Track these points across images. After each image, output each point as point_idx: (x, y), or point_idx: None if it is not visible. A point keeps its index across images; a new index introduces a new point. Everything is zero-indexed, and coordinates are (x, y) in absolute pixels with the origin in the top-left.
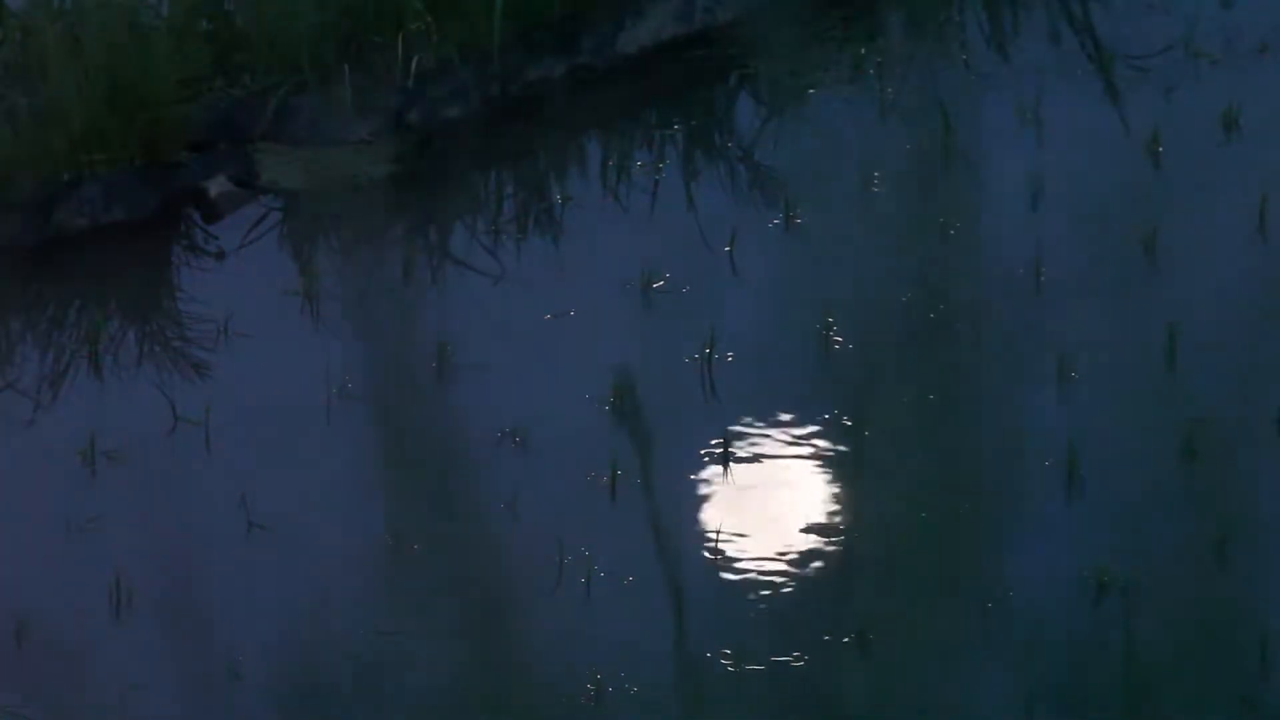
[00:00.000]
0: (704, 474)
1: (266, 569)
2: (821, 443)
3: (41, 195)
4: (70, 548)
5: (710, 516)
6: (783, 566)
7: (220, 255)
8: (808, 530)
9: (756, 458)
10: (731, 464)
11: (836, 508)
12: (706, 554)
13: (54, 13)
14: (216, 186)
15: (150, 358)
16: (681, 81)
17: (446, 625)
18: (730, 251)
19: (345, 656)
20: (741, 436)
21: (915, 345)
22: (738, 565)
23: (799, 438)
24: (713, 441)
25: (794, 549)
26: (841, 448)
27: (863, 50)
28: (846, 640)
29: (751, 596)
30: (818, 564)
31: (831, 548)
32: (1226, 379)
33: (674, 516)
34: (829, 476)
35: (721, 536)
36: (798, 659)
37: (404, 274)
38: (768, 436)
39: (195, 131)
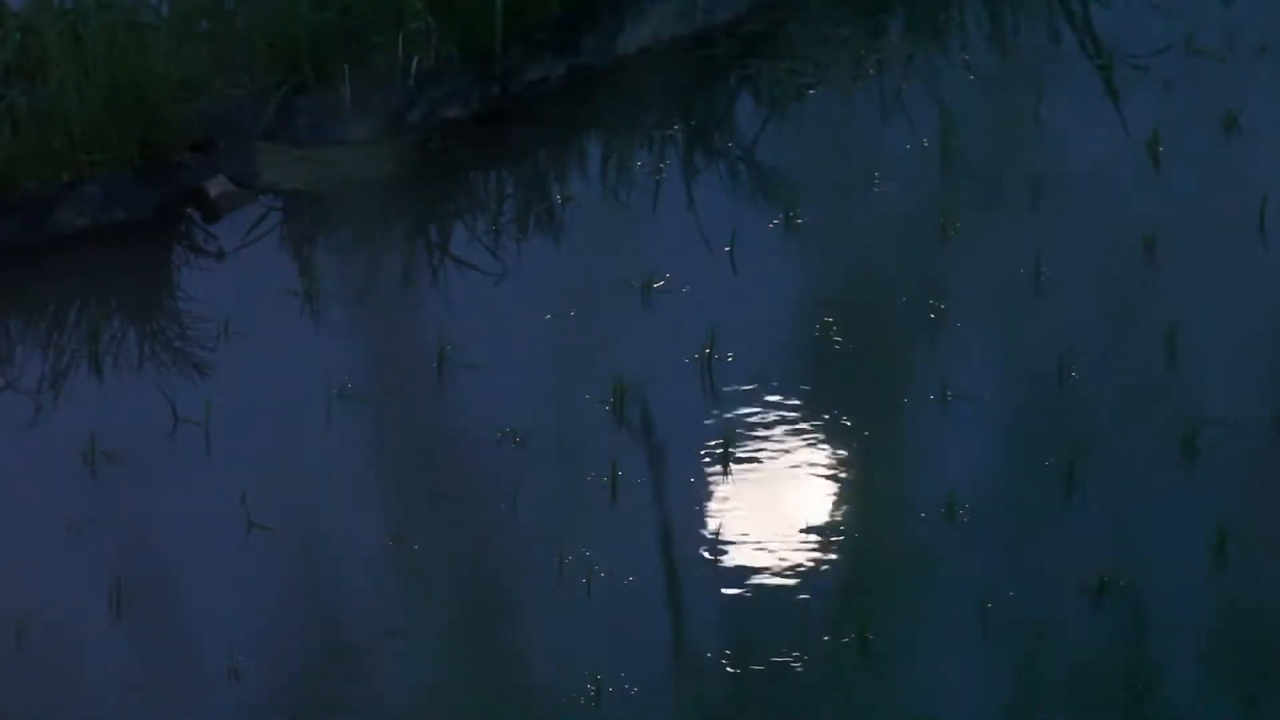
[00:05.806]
0: (704, 474)
1: (266, 569)
2: (821, 441)
3: (41, 195)
4: (70, 547)
5: (710, 516)
6: (783, 566)
7: (220, 255)
8: (808, 530)
9: (756, 457)
10: (731, 464)
11: (836, 507)
12: (706, 554)
13: (54, 12)
14: (216, 186)
15: (150, 358)
16: (681, 81)
17: (447, 625)
18: (730, 251)
19: (345, 656)
20: (741, 436)
21: (913, 344)
22: (737, 565)
23: (799, 437)
24: (713, 441)
25: (794, 548)
26: (841, 446)
27: (863, 50)
28: (846, 640)
29: (751, 596)
30: (818, 563)
31: (832, 547)
32: (1227, 378)
33: (674, 516)
34: (829, 475)
35: (721, 536)
36: (797, 659)
37: (404, 274)
38: (767, 436)
39: (195, 131)
